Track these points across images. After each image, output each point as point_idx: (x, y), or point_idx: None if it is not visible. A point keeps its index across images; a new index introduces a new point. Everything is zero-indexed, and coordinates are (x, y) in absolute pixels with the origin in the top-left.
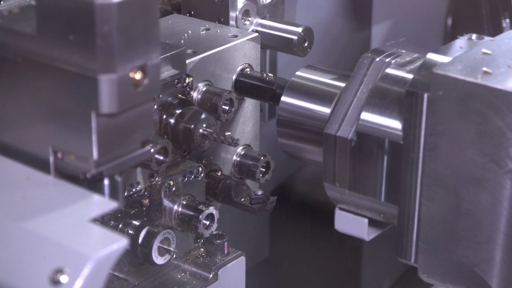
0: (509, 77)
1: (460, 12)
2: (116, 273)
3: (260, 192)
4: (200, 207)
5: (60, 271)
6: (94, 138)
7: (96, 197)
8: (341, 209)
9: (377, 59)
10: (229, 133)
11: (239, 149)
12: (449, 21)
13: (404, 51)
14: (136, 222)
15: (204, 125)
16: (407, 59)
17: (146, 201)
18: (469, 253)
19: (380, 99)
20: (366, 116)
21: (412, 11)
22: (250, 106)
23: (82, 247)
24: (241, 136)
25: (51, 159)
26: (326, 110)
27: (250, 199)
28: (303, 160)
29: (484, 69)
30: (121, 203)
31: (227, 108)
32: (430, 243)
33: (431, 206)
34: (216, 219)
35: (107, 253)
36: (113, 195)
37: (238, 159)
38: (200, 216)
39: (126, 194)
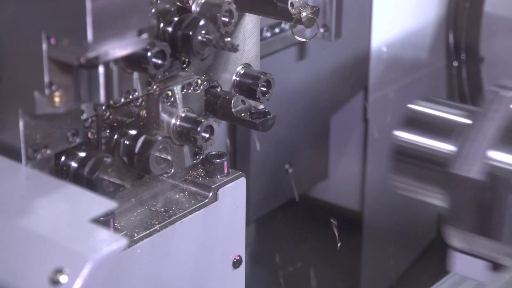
0: None
1: (460, 13)
2: (112, 179)
3: (261, 106)
4: (199, 118)
5: (59, 271)
6: (88, 19)
7: (95, 197)
8: (459, 251)
9: (507, 93)
10: (229, 39)
11: (239, 68)
12: (450, 23)
13: None
14: (132, 132)
15: (203, 32)
16: None
17: (143, 113)
18: None
19: None
20: (496, 155)
21: (412, 11)
22: (250, 23)
23: (81, 247)
24: (241, 55)
25: (44, 46)
26: (450, 147)
27: (250, 113)
28: (417, 198)
29: None
30: None
31: (226, 19)
32: None
33: None
34: (215, 132)
35: (106, 253)
36: (108, 85)
37: (238, 78)
38: (199, 128)
39: (122, 101)
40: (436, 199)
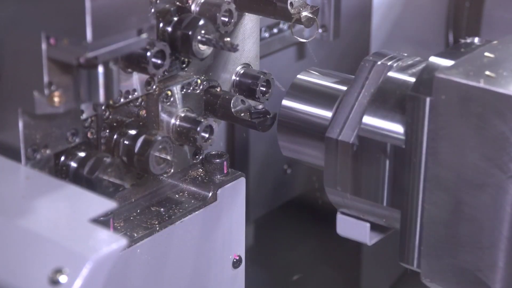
0: None
1: (460, 13)
2: (112, 179)
3: (260, 107)
4: (199, 118)
5: (59, 271)
6: (88, 19)
7: (95, 197)
8: (342, 213)
9: (379, 62)
10: (228, 39)
11: (238, 68)
12: (450, 23)
13: (406, 54)
14: (132, 131)
15: (203, 31)
16: (409, 62)
17: (143, 112)
18: (471, 258)
19: (382, 103)
20: (368, 120)
21: (412, 11)
22: (249, 23)
23: (81, 247)
24: (241, 55)
25: (44, 46)
26: (328, 113)
27: (250, 113)
28: (304, 163)
29: (487, 72)
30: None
31: (226, 19)
32: (432, 248)
33: (433, 210)
34: (215, 132)
35: (106, 253)
36: (108, 84)
37: (237, 78)
38: (199, 128)
39: (122, 101)
40: (317, 162)
